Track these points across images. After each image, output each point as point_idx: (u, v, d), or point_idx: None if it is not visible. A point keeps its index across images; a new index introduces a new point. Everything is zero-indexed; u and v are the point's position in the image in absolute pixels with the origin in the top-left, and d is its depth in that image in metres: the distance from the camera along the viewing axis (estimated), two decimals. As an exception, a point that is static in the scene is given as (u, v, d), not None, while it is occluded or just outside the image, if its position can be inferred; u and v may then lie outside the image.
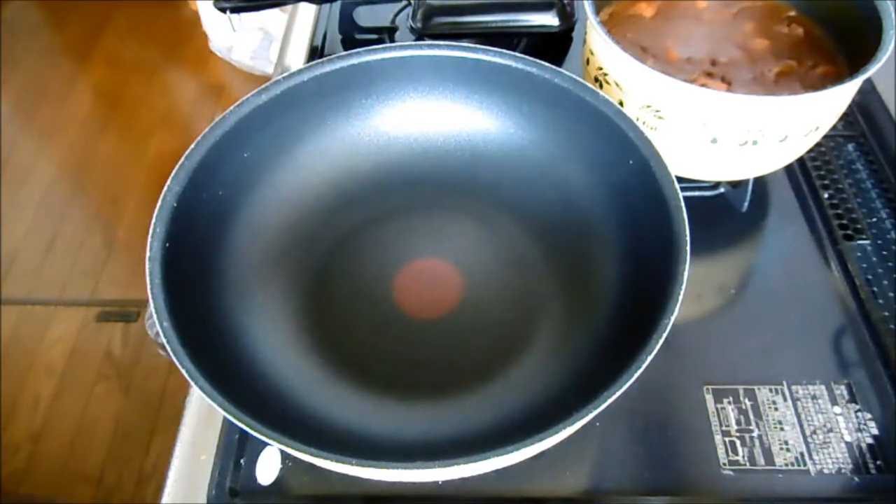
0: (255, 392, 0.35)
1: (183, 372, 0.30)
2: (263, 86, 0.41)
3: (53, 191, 1.45)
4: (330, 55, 0.42)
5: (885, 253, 0.47)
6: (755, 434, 0.39)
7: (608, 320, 0.38)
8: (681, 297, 0.31)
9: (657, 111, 0.42)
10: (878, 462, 0.37)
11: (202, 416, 0.40)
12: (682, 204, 0.35)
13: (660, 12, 0.48)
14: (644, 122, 0.42)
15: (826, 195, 0.50)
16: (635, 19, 0.48)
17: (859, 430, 0.39)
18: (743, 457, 0.38)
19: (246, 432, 0.29)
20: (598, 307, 0.39)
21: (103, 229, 1.38)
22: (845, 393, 0.40)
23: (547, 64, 0.41)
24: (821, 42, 0.46)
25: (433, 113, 0.45)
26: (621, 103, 0.43)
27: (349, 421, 0.37)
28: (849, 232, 0.48)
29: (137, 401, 1.14)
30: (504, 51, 0.42)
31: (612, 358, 0.32)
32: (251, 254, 0.41)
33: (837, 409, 0.39)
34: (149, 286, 0.33)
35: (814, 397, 0.40)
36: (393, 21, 0.62)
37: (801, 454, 0.38)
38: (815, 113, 0.41)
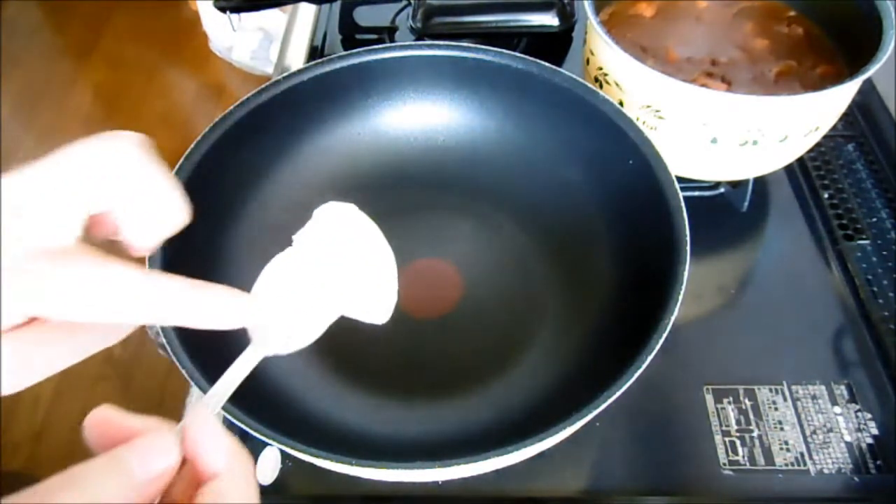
0: (255, 392, 0.35)
1: (183, 372, 0.30)
2: (263, 86, 0.41)
3: (53, 191, 1.45)
4: (330, 55, 0.42)
5: (885, 253, 0.47)
6: (755, 434, 0.39)
7: (608, 320, 0.38)
8: (681, 297, 0.31)
9: (657, 111, 0.42)
10: (878, 462, 0.37)
11: (202, 416, 0.40)
12: (682, 204, 0.35)
13: (660, 12, 0.48)
14: (644, 122, 0.42)
15: (826, 195, 0.50)
16: (635, 19, 0.48)
17: (859, 430, 0.39)
18: (743, 457, 0.38)
19: (246, 432, 0.29)
20: (598, 307, 0.39)
21: (103, 229, 1.38)
22: (845, 393, 0.40)
23: (547, 64, 0.41)
24: (821, 42, 0.46)
25: (433, 113, 0.45)
26: (621, 103, 0.43)
27: (349, 421, 0.37)
28: (849, 232, 0.48)
29: (137, 401, 1.14)
30: (504, 51, 0.42)
31: (612, 358, 0.32)
32: (251, 254, 0.41)
33: (837, 409, 0.39)
34: (149, 286, 0.33)
35: (814, 397, 0.40)
36: (393, 21, 0.62)
37: (801, 454, 0.38)
38: (815, 113, 0.41)
